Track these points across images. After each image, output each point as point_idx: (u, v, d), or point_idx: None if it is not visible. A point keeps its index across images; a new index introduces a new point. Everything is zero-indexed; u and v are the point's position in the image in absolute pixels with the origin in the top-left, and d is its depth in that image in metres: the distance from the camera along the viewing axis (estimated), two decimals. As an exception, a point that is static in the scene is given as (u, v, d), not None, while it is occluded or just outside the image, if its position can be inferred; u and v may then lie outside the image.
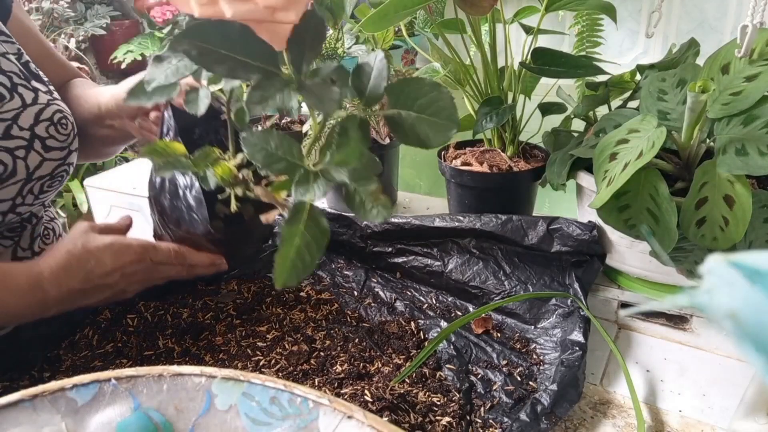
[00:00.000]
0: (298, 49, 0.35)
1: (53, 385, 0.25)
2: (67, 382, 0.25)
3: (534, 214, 0.77)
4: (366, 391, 0.55)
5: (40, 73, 0.68)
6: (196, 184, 0.61)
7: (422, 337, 0.69)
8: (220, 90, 0.46)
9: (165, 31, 2.18)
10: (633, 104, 0.72)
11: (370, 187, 0.36)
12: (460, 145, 0.86)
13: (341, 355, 0.63)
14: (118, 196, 1.11)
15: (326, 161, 0.35)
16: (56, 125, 0.65)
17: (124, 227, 0.67)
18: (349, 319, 0.71)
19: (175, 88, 0.42)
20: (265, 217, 0.44)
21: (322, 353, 0.64)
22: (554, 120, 0.81)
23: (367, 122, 0.36)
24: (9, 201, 0.62)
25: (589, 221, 0.69)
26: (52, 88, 0.68)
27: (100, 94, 0.72)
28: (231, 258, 0.68)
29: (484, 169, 0.78)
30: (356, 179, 0.36)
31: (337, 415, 0.25)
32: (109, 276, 0.58)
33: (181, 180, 0.62)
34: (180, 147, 0.46)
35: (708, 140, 0.61)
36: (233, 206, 0.48)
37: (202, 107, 0.45)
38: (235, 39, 0.33)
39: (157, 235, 0.69)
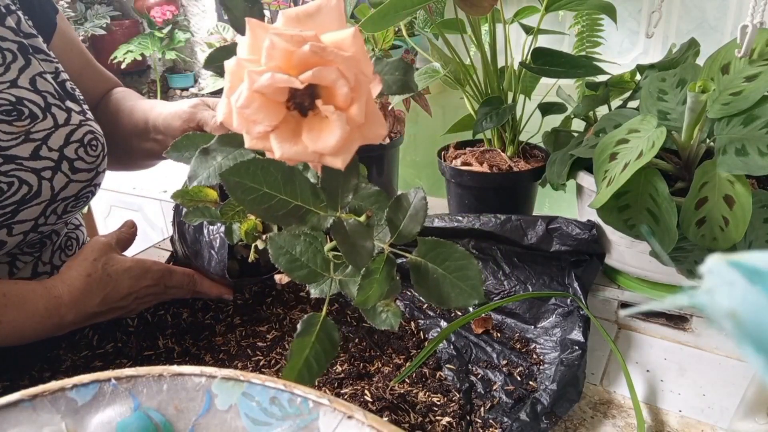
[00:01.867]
0: (332, 184, 0.34)
1: (53, 385, 0.24)
2: (67, 382, 0.25)
3: (534, 214, 0.77)
4: (366, 391, 0.55)
5: (76, 92, 0.68)
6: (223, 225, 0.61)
7: (422, 337, 0.69)
8: None
9: (165, 30, 2.18)
10: (633, 104, 0.72)
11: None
12: (460, 145, 0.86)
13: (341, 355, 0.63)
14: (118, 196, 1.11)
15: (347, 278, 0.36)
16: (86, 147, 0.64)
17: (133, 236, 0.68)
18: (349, 319, 0.71)
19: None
20: (279, 277, 0.45)
21: (322, 353, 0.63)
22: (554, 120, 0.81)
23: (395, 262, 0.36)
24: (31, 221, 0.61)
25: (589, 220, 0.69)
26: (86, 107, 0.68)
27: (150, 109, 0.72)
28: (237, 290, 0.70)
29: (484, 169, 0.78)
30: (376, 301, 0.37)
31: (337, 415, 0.25)
32: (124, 299, 0.60)
33: None
34: (212, 194, 0.46)
35: (708, 140, 0.61)
36: (252, 256, 0.48)
37: (235, 238, 0.46)
38: (281, 178, 0.32)
39: (175, 256, 0.69)
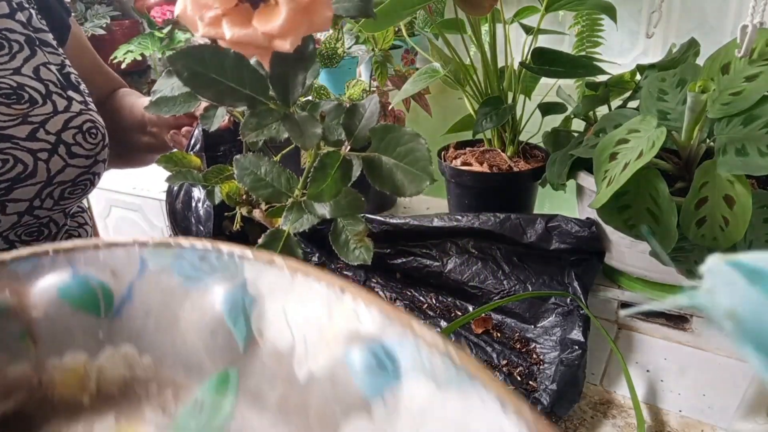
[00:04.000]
0: (282, 78, 0.35)
1: None
2: (5, 255, 0.26)
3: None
4: (366, 391, 0.55)
5: (81, 85, 0.70)
6: None
7: (422, 337, 0.69)
8: (240, 112, 0.47)
9: (165, 30, 2.18)
10: (633, 104, 0.72)
11: (357, 227, 0.38)
12: (460, 145, 0.86)
13: (341, 355, 0.63)
14: (118, 196, 1.11)
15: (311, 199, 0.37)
16: (85, 133, 0.65)
17: None
18: (349, 319, 0.71)
19: (191, 103, 0.43)
20: (257, 212, 0.45)
21: (322, 353, 0.63)
22: (554, 120, 0.81)
23: (350, 162, 0.36)
24: (26, 202, 0.62)
25: (588, 218, 0.69)
26: (89, 99, 0.70)
27: (145, 104, 0.75)
28: None
29: (484, 169, 0.78)
30: (338, 214, 0.37)
31: (260, 263, 0.27)
32: None
33: (196, 193, 0.64)
34: (196, 160, 0.48)
35: (708, 140, 0.61)
36: (236, 225, 0.48)
37: (215, 125, 0.46)
38: (228, 65, 0.33)
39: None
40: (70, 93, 0.66)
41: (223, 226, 0.64)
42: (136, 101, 0.78)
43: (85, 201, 0.80)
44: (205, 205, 0.63)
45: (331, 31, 0.95)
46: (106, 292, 0.27)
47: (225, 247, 0.28)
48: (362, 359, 0.23)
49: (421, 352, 0.22)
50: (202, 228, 0.63)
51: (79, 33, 0.78)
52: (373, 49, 0.90)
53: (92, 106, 0.69)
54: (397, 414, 0.22)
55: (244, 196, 0.47)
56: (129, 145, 0.78)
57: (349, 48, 0.94)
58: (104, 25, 2.12)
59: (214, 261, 0.28)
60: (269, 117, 0.35)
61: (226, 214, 0.50)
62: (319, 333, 0.25)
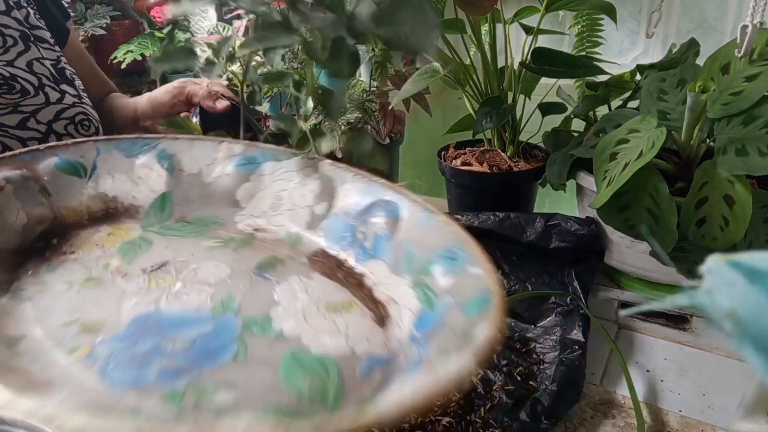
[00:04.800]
0: None
1: (7, 155, 0.44)
2: (14, 152, 0.45)
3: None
4: (366, 391, 0.55)
5: (76, 81, 0.71)
6: None
7: (422, 337, 0.68)
8: (237, 92, 0.54)
9: (165, 30, 2.18)
10: (633, 104, 0.72)
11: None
12: (460, 145, 0.86)
13: (341, 355, 0.63)
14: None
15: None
16: (77, 125, 0.67)
17: None
18: (349, 319, 0.71)
19: (191, 60, 0.49)
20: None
21: (322, 353, 0.63)
22: (554, 120, 0.81)
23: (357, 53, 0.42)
24: None
25: (588, 217, 0.69)
26: (83, 94, 0.71)
27: (137, 101, 0.78)
28: None
29: (484, 169, 0.78)
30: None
31: (170, 140, 0.53)
32: None
33: None
34: (197, 127, 0.56)
35: (708, 140, 0.61)
36: None
37: (214, 74, 0.51)
38: None
39: None
40: (64, 86, 0.67)
41: None
42: (128, 100, 0.80)
43: None
44: None
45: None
46: (81, 164, 0.48)
47: (147, 135, 0.50)
48: (236, 164, 0.51)
49: (277, 155, 0.51)
50: None
51: (76, 38, 0.80)
52: (373, 49, 0.90)
53: (86, 100, 0.70)
54: (262, 182, 0.51)
55: None
56: None
57: (349, 48, 0.94)
58: (104, 25, 2.12)
59: (141, 144, 0.51)
60: (274, 31, 0.40)
61: None
62: (212, 161, 0.51)
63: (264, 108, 0.98)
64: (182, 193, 0.49)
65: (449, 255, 0.42)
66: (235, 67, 0.52)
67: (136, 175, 0.49)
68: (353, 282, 0.44)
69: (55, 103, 0.65)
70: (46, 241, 0.43)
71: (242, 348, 0.34)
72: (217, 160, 0.51)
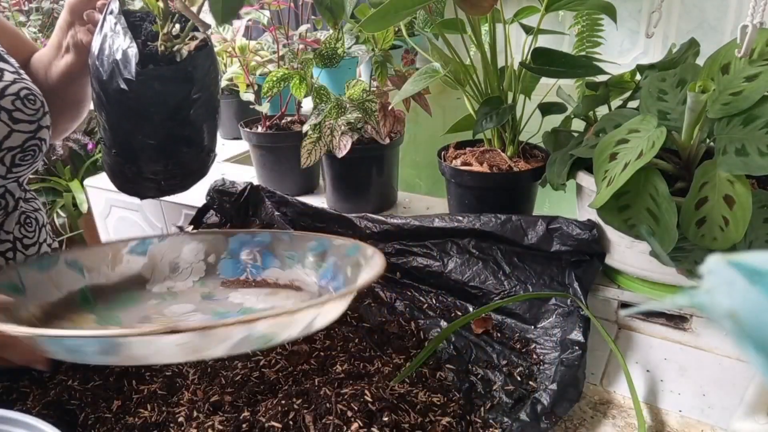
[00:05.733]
0: None
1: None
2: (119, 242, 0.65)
3: (534, 214, 0.77)
4: (366, 391, 0.55)
5: (10, 58, 0.71)
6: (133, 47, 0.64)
7: (422, 337, 0.69)
8: None
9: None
10: (633, 104, 0.72)
11: None
12: (460, 145, 0.86)
13: (341, 355, 0.63)
14: (118, 196, 1.11)
15: None
16: (23, 100, 0.67)
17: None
18: (349, 319, 0.71)
19: None
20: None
21: (322, 353, 0.64)
22: (554, 120, 0.81)
23: None
24: None
25: (589, 220, 0.69)
26: (21, 71, 0.71)
27: (51, 40, 0.77)
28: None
29: (484, 169, 0.78)
30: None
31: None
32: None
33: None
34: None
35: (708, 140, 0.61)
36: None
37: None
38: None
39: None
40: (1, 65, 0.67)
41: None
42: (45, 48, 0.78)
43: (38, 201, 0.81)
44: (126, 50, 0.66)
45: (331, 31, 0.95)
46: (15, 285, 0.56)
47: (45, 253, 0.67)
48: (129, 251, 0.67)
49: (162, 237, 0.71)
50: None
51: None
52: (373, 49, 0.90)
53: (26, 76, 0.70)
54: (155, 257, 0.68)
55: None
56: (62, 96, 0.77)
57: (349, 48, 0.94)
58: (104, 25, 2.11)
59: (47, 259, 0.63)
60: None
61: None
62: (108, 258, 0.66)
63: (264, 108, 0.98)
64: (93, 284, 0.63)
65: (317, 245, 0.64)
66: (236, 67, 0.51)
67: (54, 282, 0.60)
68: (263, 284, 0.66)
69: None
70: None
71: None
72: (110, 257, 0.65)
